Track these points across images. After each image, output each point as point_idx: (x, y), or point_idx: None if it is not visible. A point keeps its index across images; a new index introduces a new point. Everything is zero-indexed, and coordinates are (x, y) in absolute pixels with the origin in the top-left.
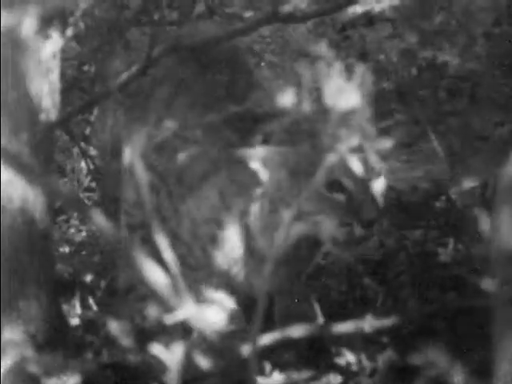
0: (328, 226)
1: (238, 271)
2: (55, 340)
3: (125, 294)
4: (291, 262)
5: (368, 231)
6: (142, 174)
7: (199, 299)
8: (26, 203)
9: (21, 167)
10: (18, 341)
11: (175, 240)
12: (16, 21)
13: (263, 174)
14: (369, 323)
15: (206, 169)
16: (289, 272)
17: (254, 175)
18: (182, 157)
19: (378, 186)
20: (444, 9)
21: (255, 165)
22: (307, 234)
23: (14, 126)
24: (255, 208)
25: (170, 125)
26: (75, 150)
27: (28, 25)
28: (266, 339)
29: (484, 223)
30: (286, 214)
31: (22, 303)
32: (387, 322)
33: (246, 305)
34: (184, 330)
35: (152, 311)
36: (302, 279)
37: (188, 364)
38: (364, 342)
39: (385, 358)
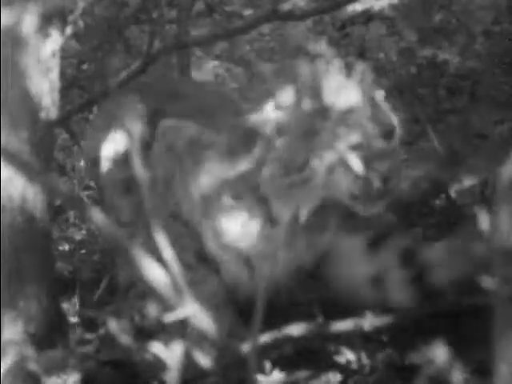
0: (344, 183)
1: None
2: (55, 338)
3: (125, 291)
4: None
5: (385, 185)
6: (140, 170)
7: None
8: (25, 202)
9: (21, 165)
10: (18, 340)
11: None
12: (16, 19)
13: (275, 139)
14: (368, 321)
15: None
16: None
17: (266, 141)
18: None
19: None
20: (444, 7)
21: (267, 130)
22: (323, 197)
23: (13, 124)
24: (267, 172)
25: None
26: (75, 149)
27: (28, 23)
28: (266, 337)
29: (484, 222)
30: (299, 177)
31: (21, 302)
32: (387, 319)
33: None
34: (184, 329)
35: (152, 309)
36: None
37: (188, 363)
38: (363, 340)
39: (384, 356)
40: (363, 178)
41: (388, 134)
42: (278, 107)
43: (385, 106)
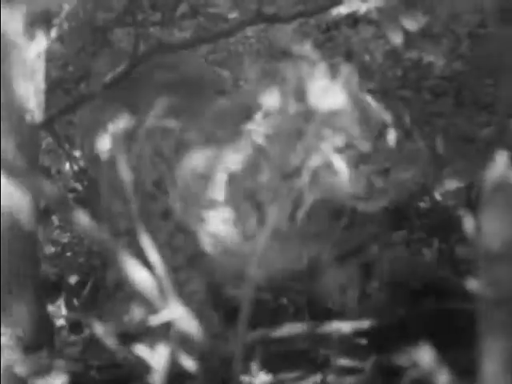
0: (345, 184)
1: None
2: (41, 341)
3: (111, 294)
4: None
5: (385, 182)
6: (124, 169)
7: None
8: (11, 205)
9: (7, 169)
10: (5, 343)
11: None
12: (3, 21)
13: (268, 147)
14: (352, 324)
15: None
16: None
17: (259, 149)
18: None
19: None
20: (429, 11)
21: (259, 139)
22: (324, 199)
23: None
24: (263, 178)
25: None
26: (60, 152)
27: (14, 25)
28: (253, 336)
29: (468, 224)
30: (296, 181)
31: (8, 305)
32: (371, 322)
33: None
34: (169, 331)
35: (137, 312)
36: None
37: (173, 365)
38: (349, 343)
39: (370, 358)
40: (365, 176)
41: (380, 132)
42: (266, 115)
43: (376, 106)
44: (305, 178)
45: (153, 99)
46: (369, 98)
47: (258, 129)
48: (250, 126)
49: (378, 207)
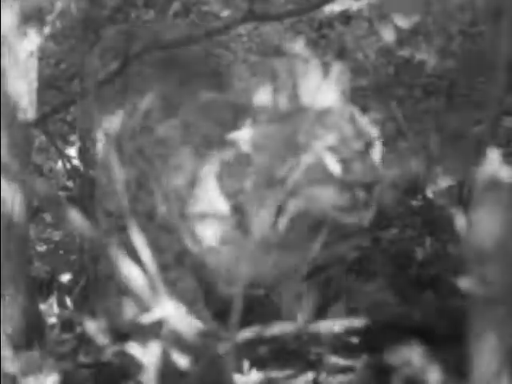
0: (328, 196)
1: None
2: (32, 339)
3: (104, 290)
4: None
5: (369, 196)
6: (117, 168)
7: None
8: (3, 203)
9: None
10: None
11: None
12: None
13: (253, 155)
14: (343, 322)
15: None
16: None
17: (244, 156)
18: (161, 129)
19: (375, 153)
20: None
21: (245, 147)
22: (306, 211)
23: None
24: (248, 185)
25: (145, 102)
26: (53, 150)
27: (6, 23)
28: (246, 334)
29: (460, 222)
30: (280, 190)
31: None
32: (362, 321)
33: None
34: (160, 329)
35: (129, 310)
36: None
37: (165, 363)
38: (340, 341)
39: (361, 356)
40: (348, 190)
41: (368, 146)
42: (255, 121)
43: (363, 120)
44: (289, 187)
45: (144, 85)
46: (356, 111)
47: (245, 138)
48: (237, 135)
49: (360, 220)
